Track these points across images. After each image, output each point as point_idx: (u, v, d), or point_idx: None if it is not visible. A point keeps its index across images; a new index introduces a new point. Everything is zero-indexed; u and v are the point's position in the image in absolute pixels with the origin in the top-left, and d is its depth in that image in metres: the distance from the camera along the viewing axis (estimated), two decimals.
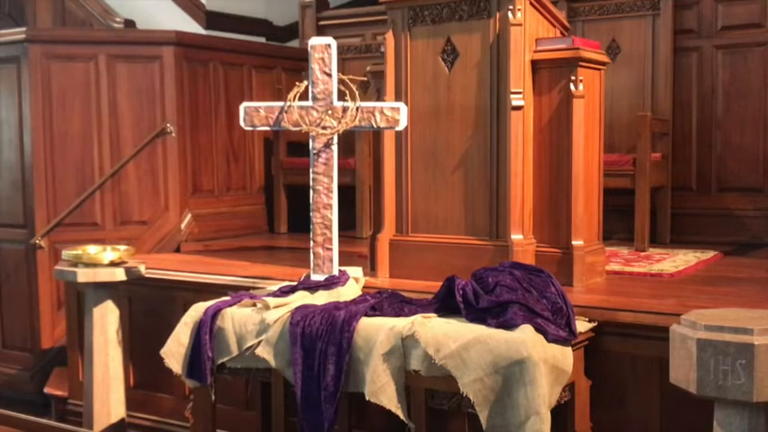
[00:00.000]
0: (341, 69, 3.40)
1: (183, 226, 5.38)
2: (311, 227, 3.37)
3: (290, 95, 3.36)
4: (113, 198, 5.31)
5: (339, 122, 3.33)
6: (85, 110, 5.41)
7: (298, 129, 3.35)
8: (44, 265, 5.26)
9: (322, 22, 6.48)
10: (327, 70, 3.34)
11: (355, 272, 3.50)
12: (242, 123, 3.44)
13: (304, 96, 3.37)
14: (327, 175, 3.34)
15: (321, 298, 3.20)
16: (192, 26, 7.14)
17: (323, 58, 3.34)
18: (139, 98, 5.47)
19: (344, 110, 3.33)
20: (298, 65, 6.17)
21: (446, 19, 3.68)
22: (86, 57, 5.41)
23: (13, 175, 5.46)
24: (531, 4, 3.60)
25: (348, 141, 5.38)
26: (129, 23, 6.99)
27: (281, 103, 3.39)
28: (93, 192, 5.30)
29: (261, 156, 6.18)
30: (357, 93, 3.32)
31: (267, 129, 3.49)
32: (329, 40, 3.37)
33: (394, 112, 3.34)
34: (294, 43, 7.14)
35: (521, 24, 3.53)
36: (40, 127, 5.31)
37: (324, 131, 3.33)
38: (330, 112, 3.33)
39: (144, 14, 7.27)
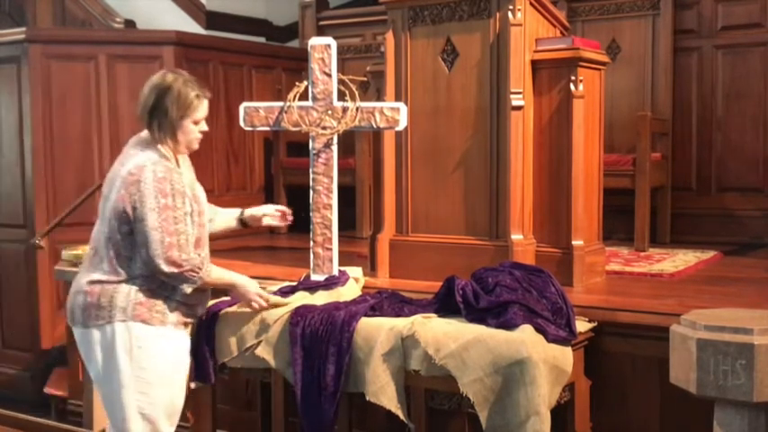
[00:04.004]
0: (341, 69, 3.39)
1: None
2: (311, 227, 3.37)
3: (290, 96, 3.36)
4: None
5: (339, 123, 3.33)
6: (85, 110, 5.40)
7: (297, 129, 3.35)
8: (44, 265, 5.25)
9: (322, 22, 6.47)
10: (327, 70, 3.34)
11: (355, 272, 3.50)
12: (242, 124, 3.44)
13: (304, 96, 3.37)
14: (327, 176, 3.34)
15: (321, 298, 3.20)
16: (192, 26, 7.14)
17: (323, 59, 3.34)
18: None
19: (344, 110, 3.33)
20: (298, 65, 6.17)
21: (446, 19, 3.68)
22: (86, 57, 5.41)
23: (13, 175, 5.45)
24: (531, 4, 3.60)
25: (348, 141, 5.37)
26: (129, 23, 6.98)
27: (280, 104, 3.39)
28: (93, 192, 5.29)
29: (261, 156, 6.17)
30: (357, 93, 3.32)
31: (267, 129, 3.48)
32: (329, 40, 3.37)
33: (394, 113, 3.33)
34: (294, 43, 7.13)
35: (521, 24, 3.53)
36: (40, 127, 5.31)
37: (324, 132, 3.33)
38: (330, 112, 3.33)
39: (144, 14, 7.26)
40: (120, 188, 2.81)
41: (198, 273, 2.84)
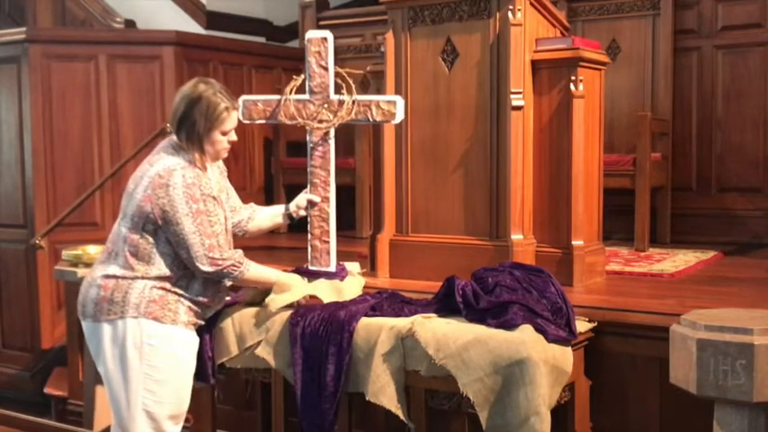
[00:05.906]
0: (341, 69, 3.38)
1: None
2: (308, 219, 3.35)
3: (287, 89, 3.34)
4: (113, 198, 5.30)
5: (335, 116, 3.30)
6: (85, 110, 5.40)
7: (294, 122, 3.33)
8: (44, 265, 5.26)
9: (322, 22, 6.47)
10: (324, 64, 3.32)
11: (352, 266, 3.48)
12: (240, 117, 3.41)
13: (301, 90, 3.36)
14: (324, 169, 3.32)
15: (322, 286, 3.19)
16: (192, 26, 7.14)
17: (319, 52, 3.32)
18: (139, 98, 5.47)
19: (341, 103, 3.30)
20: (298, 65, 6.10)
21: (446, 19, 3.68)
22: (86, 57, 5.41)
23: (13, 175, 5.45)
24: (531, 4, 3.60)
25: (348, 141, 5.38)
26: (129, 23, 6.99)
27: (278, 97, 3.38)
28: (93, 192, 5.30)
29: (261, 156, 6.17)
30: (354, 86, 3.30)
31: (264, 122, 3.46)
32: (326, 33, 3.33)
33: (390, 106, 3.29)
34: (294, 43, 7.13)
35: (521, 24, 3.53)
36: (40, 127, 5.31)
37: (320, 125, 3.31)
38: (326, 105, 3.31)
39: (144, 14, 7.27)
40: (146, 188, 2.84)
41: (239, 267, 2.94)
